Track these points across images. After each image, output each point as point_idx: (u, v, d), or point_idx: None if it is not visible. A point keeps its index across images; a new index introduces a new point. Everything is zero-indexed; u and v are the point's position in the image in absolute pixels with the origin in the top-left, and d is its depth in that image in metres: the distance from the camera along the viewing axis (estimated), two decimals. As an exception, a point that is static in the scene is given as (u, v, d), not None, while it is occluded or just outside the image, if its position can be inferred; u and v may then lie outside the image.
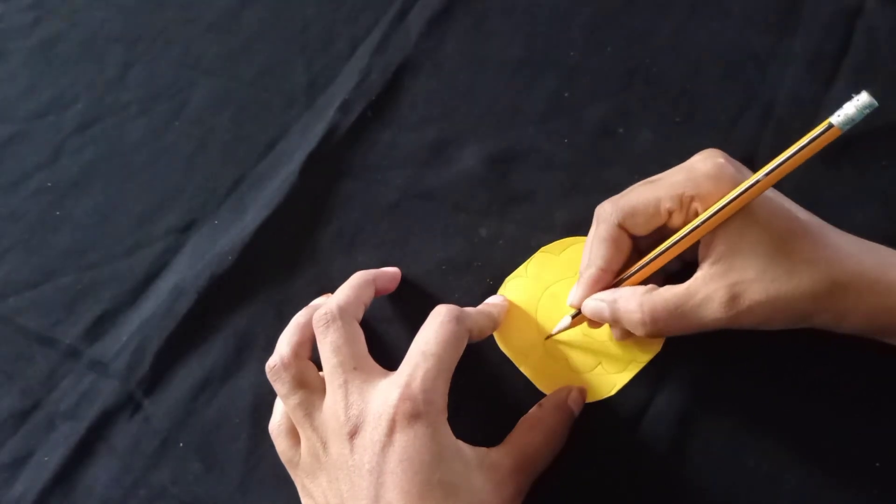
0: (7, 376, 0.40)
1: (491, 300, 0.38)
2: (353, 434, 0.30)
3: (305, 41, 0.46)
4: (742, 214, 0.31)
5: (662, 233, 0.34)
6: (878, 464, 0.34)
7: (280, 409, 0.35)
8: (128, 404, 0.38)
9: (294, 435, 0.33)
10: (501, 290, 0.38)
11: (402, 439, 0.29)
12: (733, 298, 0.30)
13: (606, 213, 0.34)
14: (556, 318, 0.37)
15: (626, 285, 0.34)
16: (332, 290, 0.37)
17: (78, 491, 0.37)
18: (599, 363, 0.36)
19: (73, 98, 0.46)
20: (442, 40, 0.45)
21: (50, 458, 0.38)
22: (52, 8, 0.49)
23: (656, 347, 0.36)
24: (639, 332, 0.33)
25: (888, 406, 0.35)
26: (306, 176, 0.42)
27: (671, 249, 0.33)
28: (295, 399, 0.32)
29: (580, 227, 0.39)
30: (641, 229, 0.34)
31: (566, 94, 0.43)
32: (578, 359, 0.37)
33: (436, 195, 0.41)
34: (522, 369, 0.37)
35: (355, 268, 0.38)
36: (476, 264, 0.39)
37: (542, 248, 0.39)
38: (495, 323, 0.36)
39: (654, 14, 0.44)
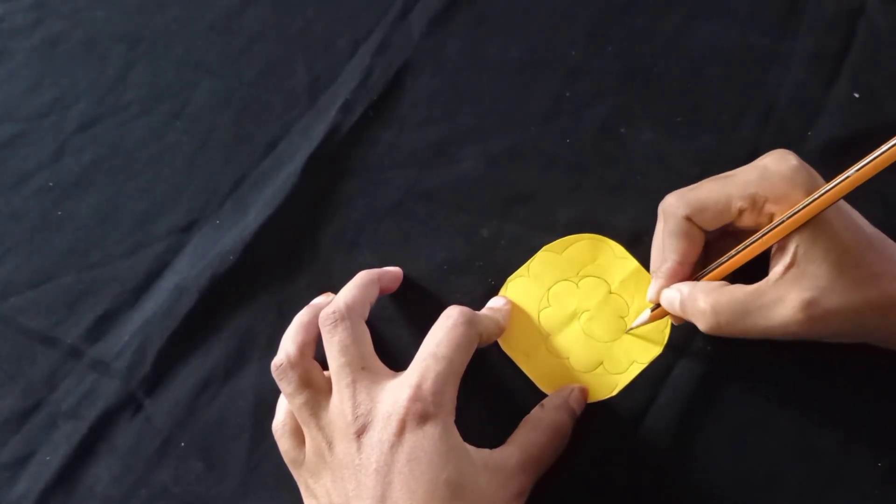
0: (8, 376, 0.40)
1: (493, 303, 0.38)
2: (360, 433, 0.30)
3: (307, 41, 0.46)
4: (815, 221, 0.30)
5: (728, 230, 0.34)
6: (879, 464, 0.34)
7: (284, 409, 0.35)
8: (129, 404, 0.38)
9: (298, 434, 0.33)
10: (503, 291, 0.38)
11: (411, 439, 0.29)
12: (809, 304, 0.30)
13: (673, 206, 0.34)
14: (558, 318, 0.37)
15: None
16: (334, 290, 0.37)
17: (79, 490, 0.37)
18: (601, 363, 0.36)
19: (74, 98, 0.46)
20: (443, 40, 0.45)
21: (51, 457, 0.38)
22: (53, 8, 0.49)
23: (658, 348, 0.36)
24: (701, 325, 0.33)
25: (889, 406, 0.35)
26: (308, 176, 0.42)
27: (749, 249, 0.32)
28: (301, 398, 0.32)
29: (582, 226, 0.39)
30: (709, 224, 0.33)
31: (567, 94, 0.43)
32: (580, 359, 0.37)
33: (437, 195, 0.41)
34: (524, 369, 0.37)
35: (356, 268, 0.38)
36: (478, 264, 0.39)
37: (545, 247, 0.39)
38: (501, 329, 0.36)
39: (655, 14, 0.44)
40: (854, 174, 0.29)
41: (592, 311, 0.37)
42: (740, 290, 0.32)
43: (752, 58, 0.42)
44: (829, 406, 0.35)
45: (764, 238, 0.32)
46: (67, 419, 0.38)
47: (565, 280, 0.38)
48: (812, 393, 0.35)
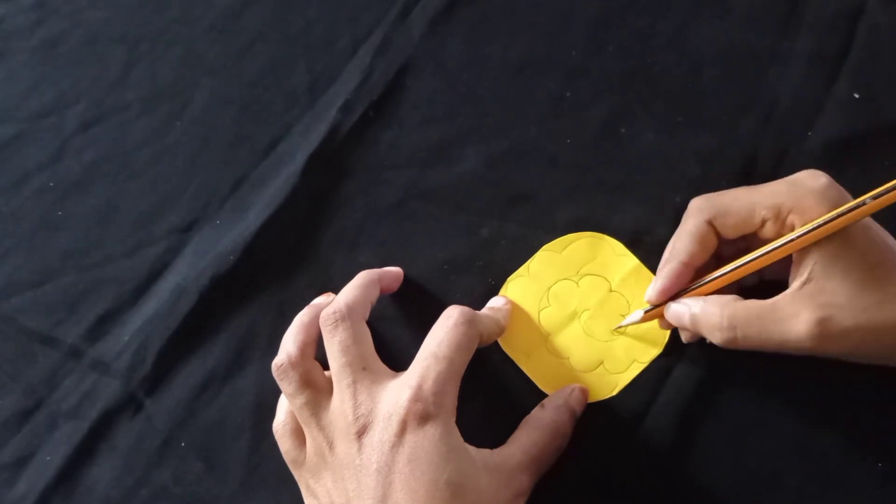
0: (9, 376, 0.40)
1: (494, 302, 0.38)
2: (361, 433, 0.30)
3: (307, 41, 0.46)
4: (839, 237, 0.30)
5: (749, 242, 0.33)
6: (879, 464, 0.34)
7: (284, 409, 0.35)
8: (129, 404, 0.38)
9: (299, 434, 0.33)
10: (503, 291, 0.38)
11: (412, 440, 0.29)
12: (823, 321, 0.30)
13: (697, 208, 0.34)
14: (558, 318, 0.37)
15: (707, 288, 0.33)
16: (334, 290, 0.38)
17: (80, 490, 0.37)
18: (601, 363, 0.36)
19: (74, 98, 0.46)
20: (444, 40, 0.45)
21: (52, 457, 0.38)
22: (53, 8, 0.49)
23: (658, 348, 0.36)
24: (715, 337, 0.32)
25: (890, 407, 0.35)
26: (308, 176, 0.42)
27: (761, 258, 0.32)
28: (302, 398, 0.32)
29: (582, 226, 0.39)
30: (731, 231, 0.33)
31: (568, 94, 0.43)
32: (580, 358, 0.37)
33: (438, 195, 0.41)
34: (524, 369, 0.37)
35: (357, 268, 0.38)
36: (478, 264, 0.39)
37: (544, 247, 0.39)
38: (502, 329, 0.36)
39: (655, 14, 0.44)
40: (883, 196, 0.29)
41: (593, 310, 0.37)
42: (756, 304, 0.31)
43: (752, 58, 0.42)
44: (829, 406, 0.35)
45: (780, 248, 0.31)
46: (68, 419, 0.38)
47: (565, 279, 0.38)
48: (812, 393, 0.35)
